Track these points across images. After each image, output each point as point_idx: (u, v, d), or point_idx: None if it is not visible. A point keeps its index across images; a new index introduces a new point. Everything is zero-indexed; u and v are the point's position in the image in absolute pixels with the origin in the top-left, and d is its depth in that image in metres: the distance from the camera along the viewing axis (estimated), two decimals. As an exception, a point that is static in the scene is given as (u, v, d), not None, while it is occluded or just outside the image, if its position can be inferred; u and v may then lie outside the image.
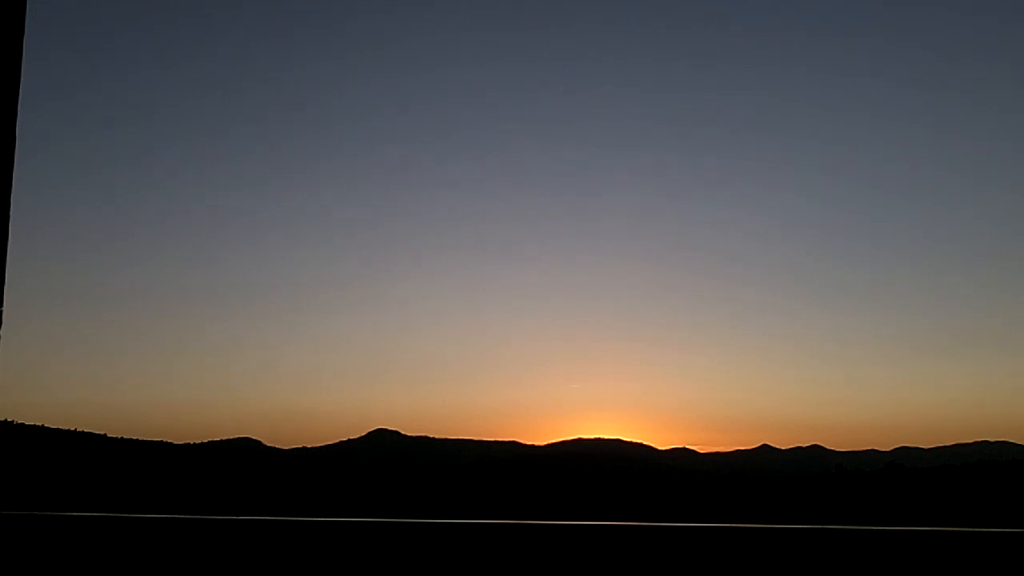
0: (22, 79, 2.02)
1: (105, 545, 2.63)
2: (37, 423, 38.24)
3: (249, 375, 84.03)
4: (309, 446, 59.12)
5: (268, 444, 55.85)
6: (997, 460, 41.95)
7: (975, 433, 70.25)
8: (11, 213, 1.97)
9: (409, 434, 70.88)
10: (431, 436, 70.71)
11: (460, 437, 70.35)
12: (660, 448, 72.92)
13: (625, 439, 72.73)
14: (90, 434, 39.66)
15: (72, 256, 72.33)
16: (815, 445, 73.10)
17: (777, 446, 75.73)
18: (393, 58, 70.92)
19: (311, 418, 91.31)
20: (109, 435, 40.26)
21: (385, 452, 63.19)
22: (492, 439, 69.39)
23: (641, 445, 71.99)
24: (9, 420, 35.37)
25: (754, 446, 76.36)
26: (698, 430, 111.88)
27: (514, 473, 49.36)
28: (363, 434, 71.30)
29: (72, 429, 39.29)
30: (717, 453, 73.55)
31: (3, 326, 1.96)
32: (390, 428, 71.84)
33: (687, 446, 74.27)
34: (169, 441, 42.99)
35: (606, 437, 72.20)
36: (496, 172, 77.37)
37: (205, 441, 50.35)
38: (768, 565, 2.55)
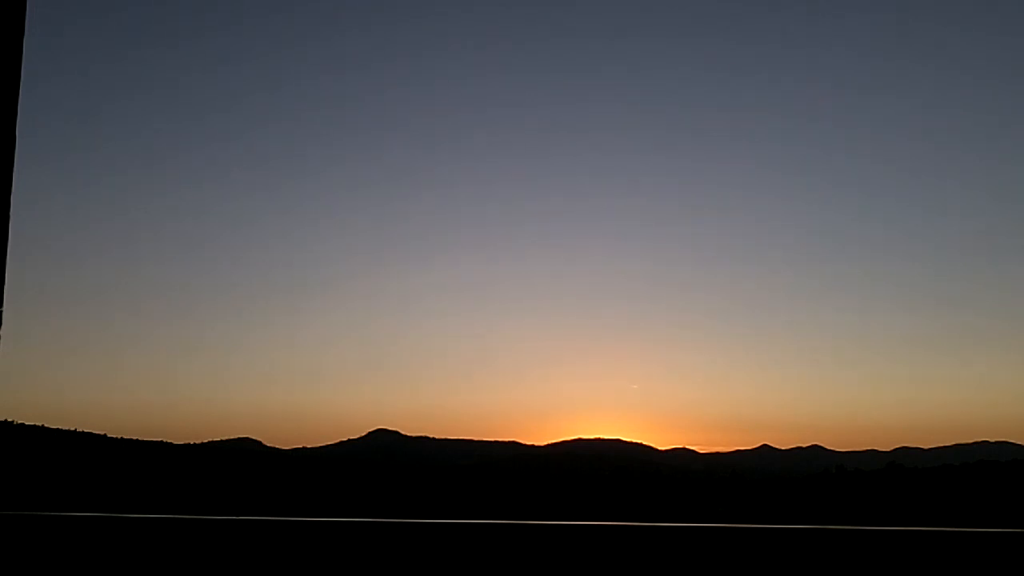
0: (22, 79, 2.02)
1: (105, 545, 2.63)
2: (37, 423, 38.24)
3: (249, 375, 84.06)
4: (309, 446, 59.20)
5: (268, 444, 55.92)
6: (997, 460, 41.93)
7: (975, 433, 70.33)
8: (11, 213, 1.97)
9: (409, 434, 70.98)
10: (431, 436, 70.81)
11: (460, 437, 70.44)
12: (660, 448, 73.00)
13: (625, 439, 72.83)
14: (90, 434, 39.67)
15: (72, 256, 72.34)
16: (815, 445, 73.17)
17: (777, 446, 75.82)
18: (394, 57, 70.92)
19: (311, 418, 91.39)
20: (109, 435, 40.27)
21: (385, 452, 63.20)
22: (492, 439, 69.48)
23: (641, 445, 72.08)
24: (9, 420, 35.37)
25: (754, 446, 76.47)
26: (698, 430, 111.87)
27: (514, 473, 49.35)
28: (363, 434, 71.39)
29: (72, 429, 39.29)
30: (717, 453, 73.61)
31: (3, 326, 1.95)
32: (390, 428, 71.92)
33: (687, 446, 74.34)
34: (169, 441, 43.01)
35: (606, 437, 72.30)
36: (497, 171, 77.42)
37: (205, 441, 50.37)
38: (768, 565, 2.55)
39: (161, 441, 42.41)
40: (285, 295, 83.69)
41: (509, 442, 68.18)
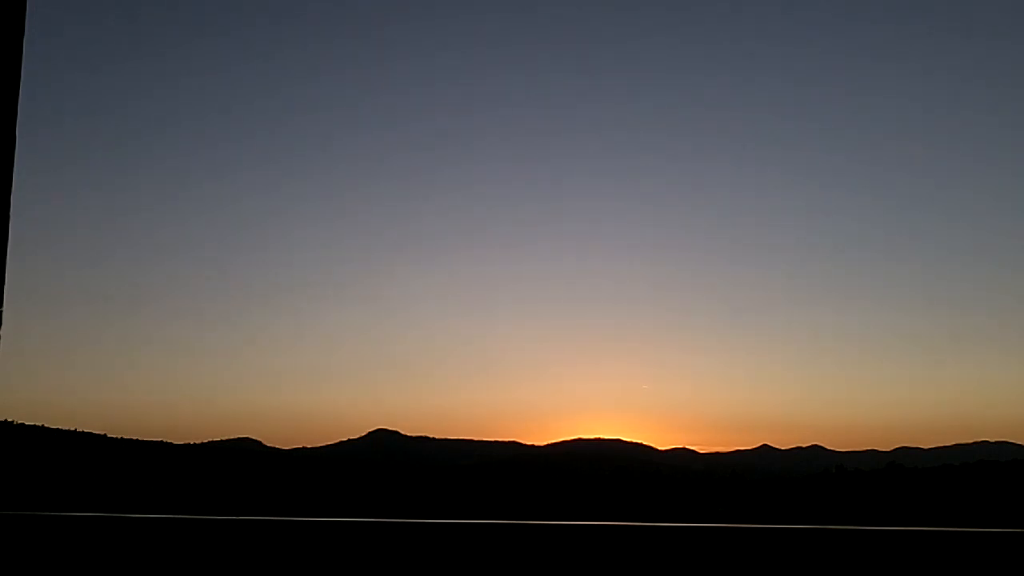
0: (22, 79, 2.03)
1: (105, 545, 2.63)
2: (37, 423, 38.23)
3: (249, 375, 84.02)
4: (309, 446, 59.18)
5: (268, 444, 55.91)
6: (997, 460, 41.93)
7: (975, 433, 70.23)
8: (11, 213, 1.97)
9: (409, 434, 70.94)
10: (431, 436, 70.78)
11: (460, 437, 70.42)
12: (660, 448, 72.96)
13: (625, 439, 72.78)
14: (90, 434, 39.67)
15: (72, 256, 72.31)
16: (815, 445, 73.12)
17: (777, 446, 75.76)
18: (395, 57, 70.94)
19: (311, 418, 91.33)
20: (109, 435, 40.28)
21: (385, 452, 63.22)
22: (492, 439, 69.47)
23: (641, 445, 72.06)
24: (9, 420, 35.36)
25: (754, 446, 76.39)
26: (698, 430, 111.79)
27: (514, 473, 49.35)
28: (363, 434, 71.36)
29: (72, 429, 39.29)
30: (717, 453, 73.55)
31: (3, 326, 1.96)
32: (390, 428, 71.88)
33: (687, 446, 74.23)
34: (169, 441, 43.01)
35: (606, 437, 72.24)
36: (498, 172, 77.38)
37: (205, 441, 50.34)
38: (768, 565, 2.55)
39: (161, 441, 42.43)
40: (286, 295, 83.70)
41: (509, 442, 68.20)
